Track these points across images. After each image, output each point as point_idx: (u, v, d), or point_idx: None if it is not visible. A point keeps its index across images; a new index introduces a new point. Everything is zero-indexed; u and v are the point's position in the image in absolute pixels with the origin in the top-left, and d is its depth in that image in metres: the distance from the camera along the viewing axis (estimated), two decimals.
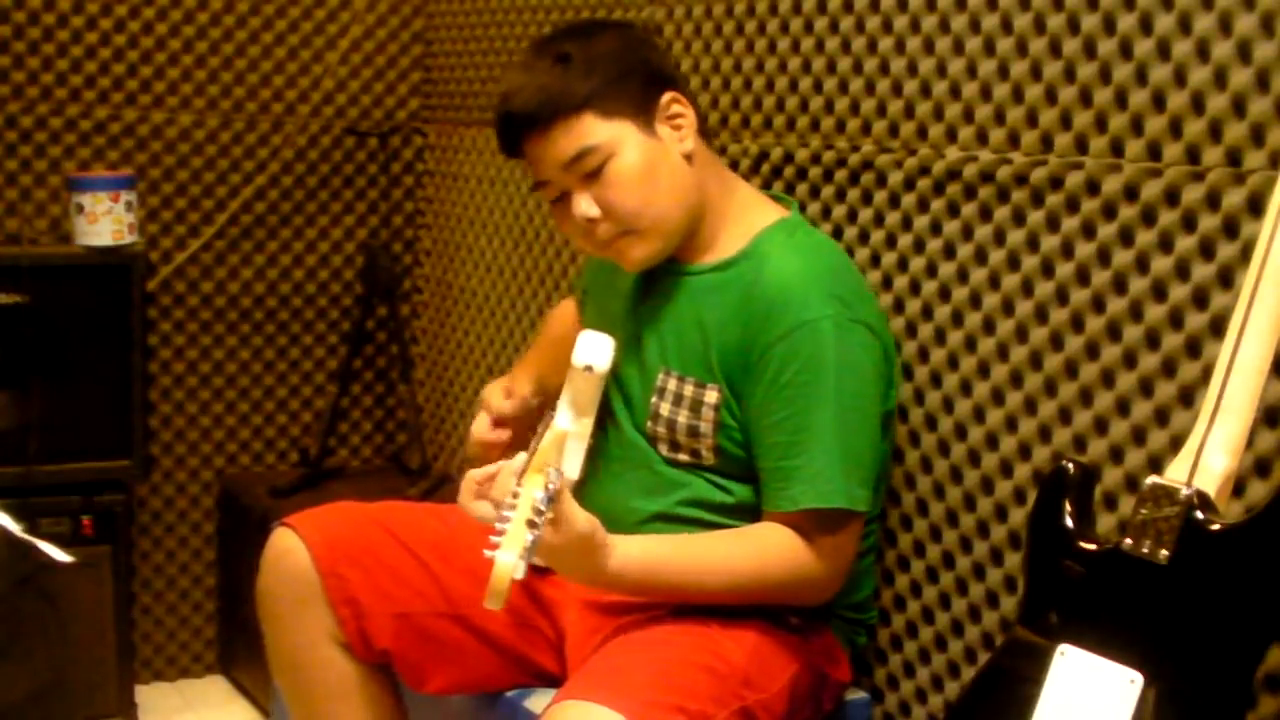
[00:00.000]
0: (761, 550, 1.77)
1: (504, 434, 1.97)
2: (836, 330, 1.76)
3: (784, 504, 1.77)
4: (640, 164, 1.81)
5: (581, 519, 1.61)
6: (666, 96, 1.85)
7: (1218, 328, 1.59)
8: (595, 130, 1.80)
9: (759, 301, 1.80)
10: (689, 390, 1.85)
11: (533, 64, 1.85)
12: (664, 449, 1.88)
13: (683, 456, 1.86)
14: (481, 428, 1.97)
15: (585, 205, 1.82)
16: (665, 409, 1.86)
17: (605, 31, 1.92)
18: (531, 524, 1.47)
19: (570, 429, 1.83)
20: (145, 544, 3.13)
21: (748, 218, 1.89)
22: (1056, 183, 1.79)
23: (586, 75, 1.80)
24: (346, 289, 3.26)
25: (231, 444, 3.20)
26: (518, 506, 1.49)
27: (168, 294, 3.09)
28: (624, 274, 1.94)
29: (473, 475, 1.69)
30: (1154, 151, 1.68)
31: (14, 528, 2.13)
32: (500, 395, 1.99)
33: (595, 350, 1.83)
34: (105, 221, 2.75)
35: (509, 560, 1.44)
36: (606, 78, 1.80)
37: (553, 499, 1.52)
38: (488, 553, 1.45)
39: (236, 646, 3.13)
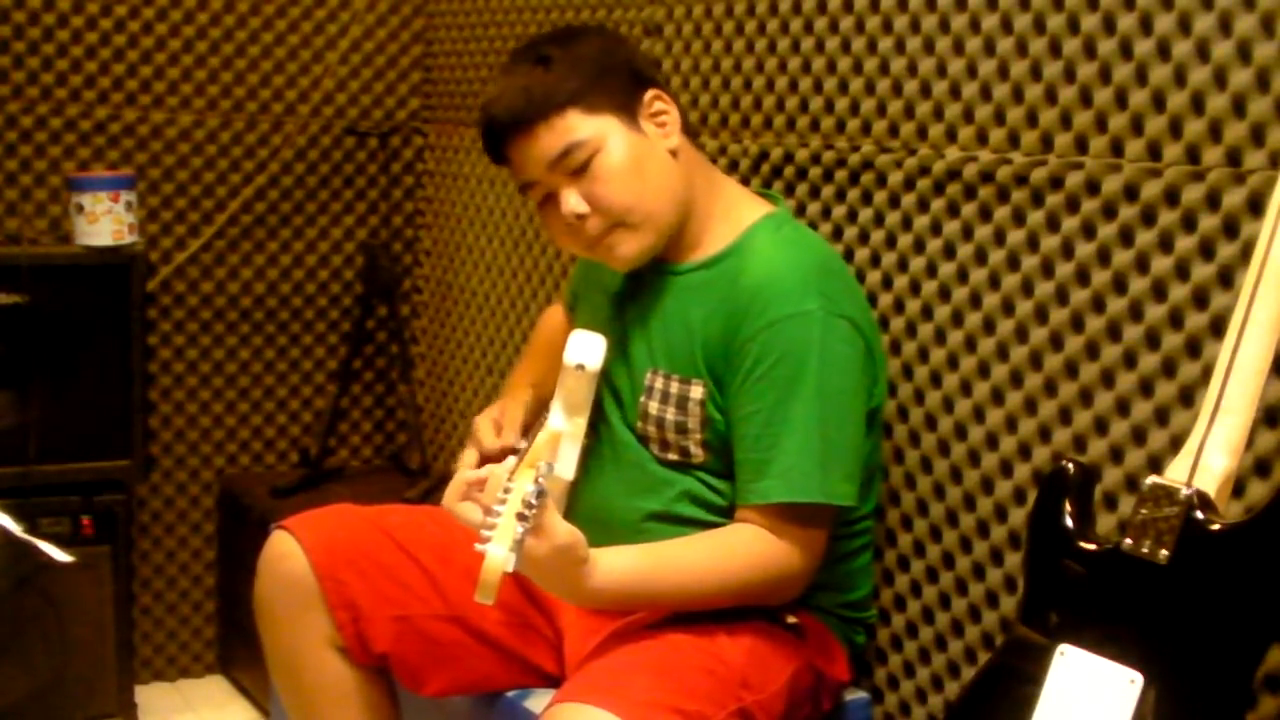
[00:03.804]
0: (739, 551, 1.76)
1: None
2: (819, 325, 1.76)
3: (754, 497, 1.77)
4: (627, 158, 1.81)
5: (563, 531, 1.59)
6: (650, 93, 1.86)
7: (1218, 328, 1.59)
8: (580, 126, 1.80)
9: (742, 295, 1.80)
10: (675, 387, 1.85)
11: (513, 69, 1.86)
12: (655, 448, 1.88)
13: (673, 455, 1.86)
14: (468, 465, 1.94)
15: (574, 202, 1.81)
16: (654, 408, 1.86)
17: (584, 33, 1.93)
18: (522, 517, 1.47)
19: (564, 429, 1.82)
20: (145, 544, 3.13)
21: (734, 214, 1.89)
22: (1056, 183, 1.79)
23: (568, 74, 1.80)
24: (346, 289, 3.26)
25: (231, 444, 3.20)
26: (508, 500, 1.49)
27: (168, 294, 3.09)
28: (611, 276, 1.94)
29: (463, 477, 1.68)
30: (1154, 151, 1.68)
31: (14, 528, 2.13)
32: (491, 432, 1.98)
33: (587, 349, 1.83)
34: (105, 221, 2.75)
35: (499, 554, 1.44)
36: (589, 75, 1.81)
37: (543, 492, 1.52)
38: (479, 546, 1.45)
39: (236, 646, 3.13)
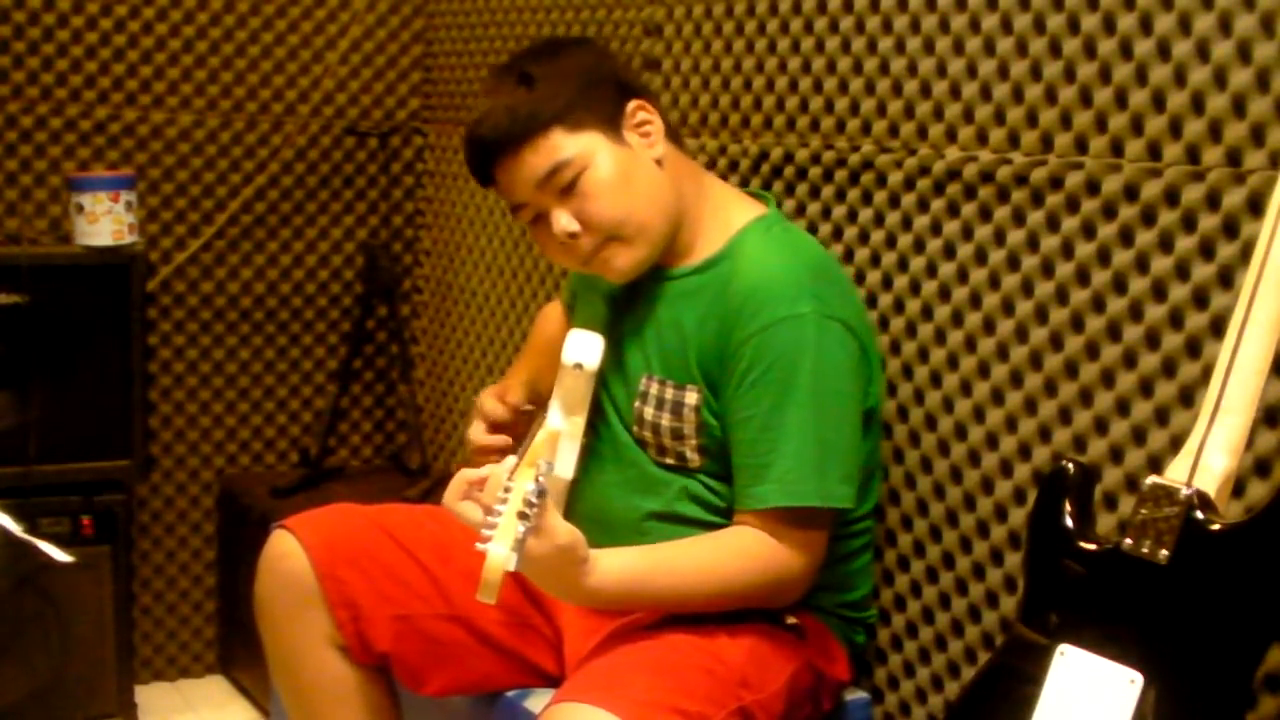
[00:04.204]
0: (737, 554, 1.76)
1: (501, 439, 1.96)
2: (813, 327, 1.76)
3: (752, 502, 1.77)
4: (614, 173, 1.81)
5: (563, 531, 1.60)
6: (632, 104, 1.86)
7: (1218, 328, 1.59)
8: (565, 145, 1.80)
9: (734, 298, 1.80)
10: (670, 393, 1.85)
11: (496, 89, 1.86)
12: (652, 453, 1.88)
13: (670, 460, 1.86)
14: (478, 433, 1.97)
15: (565, 221, 1.81)
16: (649, 413, 1.86)
17: (565, 48, 1.92)
18: (523, 515, 1.48)
19: (562, 427, 1.83)
20: (145, 544, 3.13)
21: (724, 218, 1.89)
22: (1056, 183, 1.79)
23: (552, 93, 1.80)
24: (346, 289, 3.26)
25: (231, 444, 3.20)
26: (509, 500, 1.49)
27: (168, 294, 3.09)
28: (606, 282, 1.94)
29: (464, 475, 1.69)
30: (1154, 151, 1.68)
31: (14, 528, 2.13)
32: (494, 401, 1.99)
33: (584, 348, 1.83)
34: (105, 221, 2.75)
35: (501, 552, 1.45)
36: (571, 92, 1.81)
37: (543, 491, 1.52)
38: (480, 545, 1.46)
39: (236, 646, 3.13)
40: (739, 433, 1.79)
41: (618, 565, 1.70)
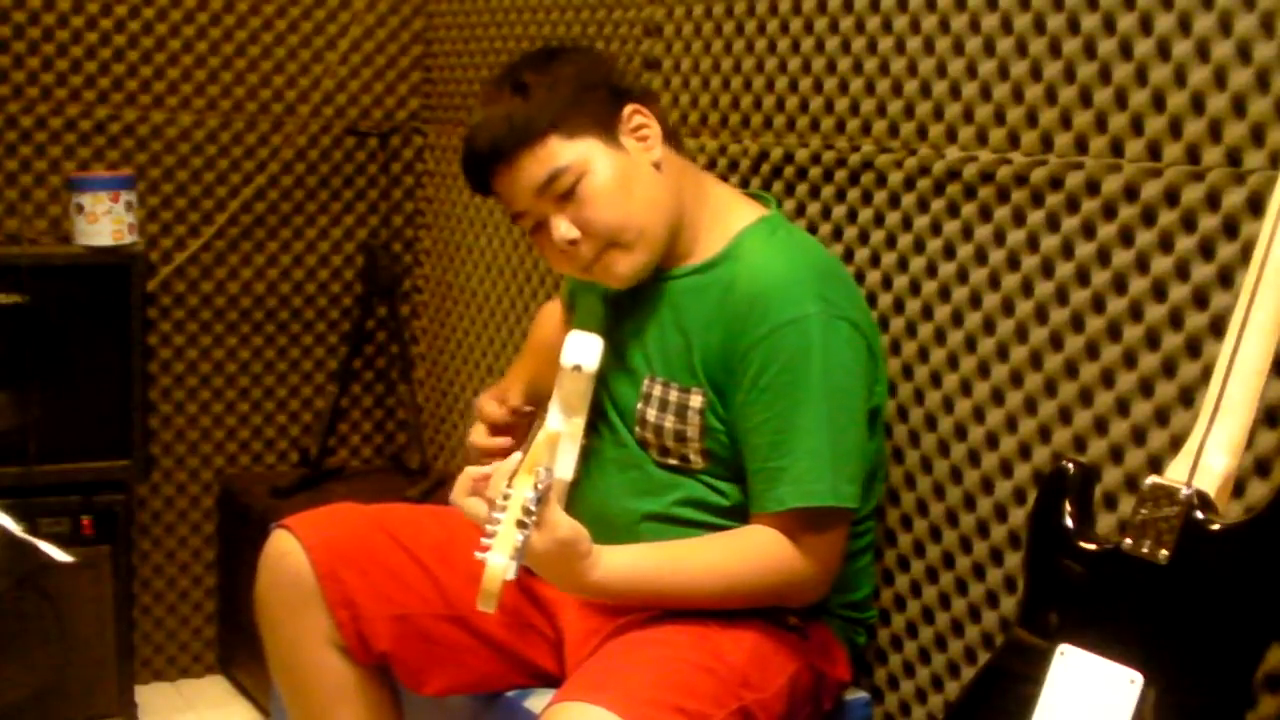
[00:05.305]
0: (750, 553, 1.77)
1: (502, 441, 1.97)
2: (820, 328, 1.76)
3: (770, 505, 1.77)
4: (612, 178, 1.81)
5: (565, 525, 1.61)
6: (628, 109, 1.86)
7: (1218, 328, 1.59)
8: (562, 152, 1.80)
9: (740, 301, 1.80)
10: (674, 396, 1.85)
11: (491, 99, 1.86)
12: (655, 454, 1.88)
13: (673, 461, 1.87)
14: (479, 436, 1.98)
15: (564, 228, 1.82)
16: (652, 415, 1.86)
17: (559, 55, 1.92)
18: (521, 524, 1.49)
19: (562, 429, 1.83)
20: (145, 544, 3.13)
21: (726, 219, 1.89)
22: (1056, 183, 1.79)
23: (546, 100, 1.81)
24: (346, 289, 3.26)
25: (231, 444, 3.20)
26: (508, 508, 1.51)
27: (168, 294, 3.09)
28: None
29: (469, 472, 1.70)
30: (1154, 151, 1.68)
31: (14, 528, 2.12)
32: (493, 404, 2.00)
33: (583, 349, 1.83)
34: (105, 221, 2.75)
35: (500, 562, 1.46)
36: (566, 99, 1.81)
37: (542, 498, 1.53)
38: (479, 554, 1.46)
39: (236, 646, 3.13)
40: (753, 438, 1.79)
41: (625, 561, 1.71)
